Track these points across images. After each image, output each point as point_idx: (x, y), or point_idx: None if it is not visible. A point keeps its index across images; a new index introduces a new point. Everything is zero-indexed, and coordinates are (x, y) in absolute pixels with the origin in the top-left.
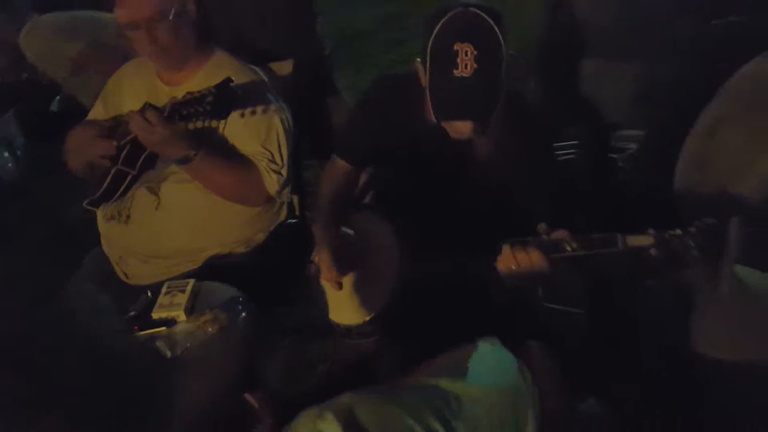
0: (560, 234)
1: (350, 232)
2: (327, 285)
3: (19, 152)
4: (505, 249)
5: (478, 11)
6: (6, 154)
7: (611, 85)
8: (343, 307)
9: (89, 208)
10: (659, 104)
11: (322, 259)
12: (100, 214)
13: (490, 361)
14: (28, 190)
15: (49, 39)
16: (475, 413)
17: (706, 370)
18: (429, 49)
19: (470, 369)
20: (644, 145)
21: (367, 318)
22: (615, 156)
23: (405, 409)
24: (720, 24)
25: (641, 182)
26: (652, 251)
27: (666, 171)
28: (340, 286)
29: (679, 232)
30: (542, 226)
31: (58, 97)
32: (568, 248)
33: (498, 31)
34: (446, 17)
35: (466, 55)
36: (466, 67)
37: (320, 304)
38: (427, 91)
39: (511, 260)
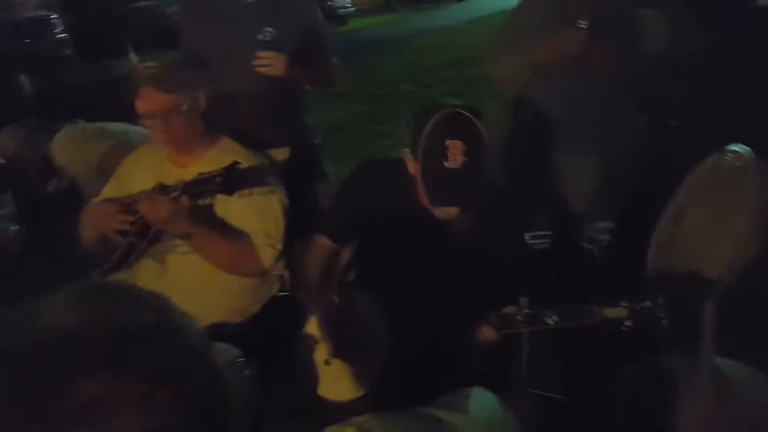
0: (523, 303)
1: (336, 300)
2: (318, 360)
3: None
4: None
5: (464, 111)
6: (11, 227)
7: (575, 177)
8: (335, 382)
9: (100, 277)
10: (625, 196)
11: (317, 334)
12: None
13: (479, 401)
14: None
15: (80, 142)
16: None
17: None
18: (422, 144)
19: (462, 405)
20: (615, 235)
21: (359, 394)
22: (591, 247)
23: (411, 429)
24: (675, 125)
25: (615, 269)
26: (627, 322)
27: (637, 259)
28: (329, 360)
29: (648, 303)
30: (523, 301)
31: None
32: (550, 321)
33: (480, 128)
34: (436, 117)
35: (456, 149)
36: (456, 160)
37: (310, 379)
38: (420, 180)
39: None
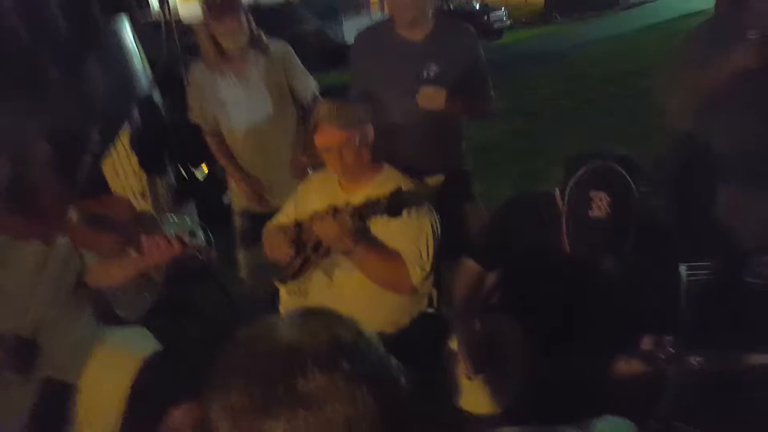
0: (669, 341)
1: (479, 325)
2: (460, 374)
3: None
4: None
5: (613, 164)
6: (202, 235)
7: (749, 211)
8: (476, 396)
9: (279, 284)
10: None
11: (460, 351)
12: (283, 289)
13: (613, 426)
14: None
15: None
16: None
17: None
18: (568, 192)
19: (596, 428)
20: None
21: (497, 410)
22: (756, 281)
23: None
24: None
25: None
26: None
27: None
28: (472, 377)
29: None
30: (668, 340)
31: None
32: (693, 363)
33: (630, 179)
34: (587, 168)
35: (601, 201)
36: (601, 211)
37: (451, 391)
38: (564, 225)
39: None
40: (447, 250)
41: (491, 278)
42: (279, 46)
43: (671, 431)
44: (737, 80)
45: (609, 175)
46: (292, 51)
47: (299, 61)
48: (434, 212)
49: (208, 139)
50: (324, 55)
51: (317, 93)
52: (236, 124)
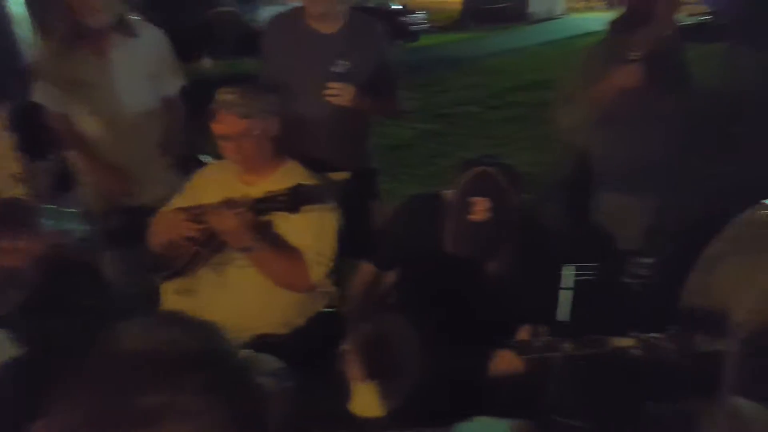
0: (543, 330)
1: (372, 327)
2: (352, 376)
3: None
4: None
5: (495, 172)
6: (81, 226)
7: (626, 216)
8: (365, 400)
9: (163, 281)
10: (671, 235)
11: (351, 354)
12: (168, 287)
13: (485, 424)
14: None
15: None
16: None
17: None
18: (453, 196)
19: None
20: (657, 272)
21: (386, 412)
22: (633, 281)
23: None
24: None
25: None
26: (635, 351)
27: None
28: (363, 380)
29: (657, 335)
30: (543, 329)
31: None
32: (565, 348)
33: (509, 187)
34: (470, 174)
35: (482, 206)
36: (480, 215)
37: (342, 394)
38: (447, 228)
39: (494, 365)
40: (350, 248)
41: (391, 277)
42: (153, 34)
43: (552, 425)
44: (619, 98)
45: (489, 182)
46: (167, 41)
47: (172, 53)
48: (338, 209)
49: (54, 123)
50: (239, 41)
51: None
52: (96, 108)
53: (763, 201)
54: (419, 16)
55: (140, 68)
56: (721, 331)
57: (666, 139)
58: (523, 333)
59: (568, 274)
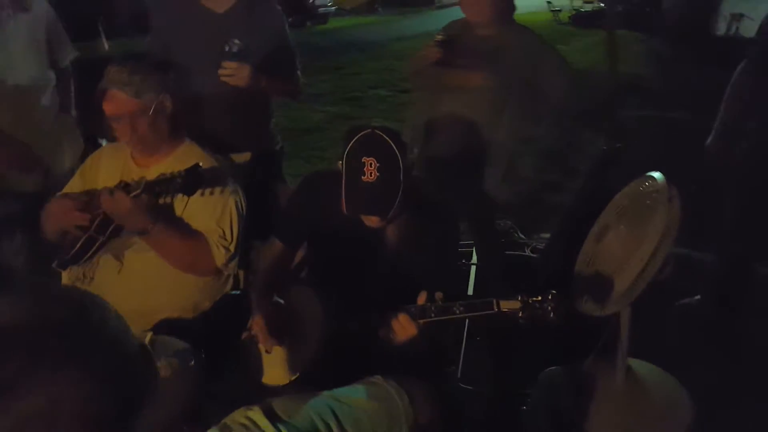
0: (439, 295)
1: (281, 301)
2: (262, 350)
3: None
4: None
5: (381, 132)
6: None
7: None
8: (274, 369)
9: (58, 269)
10: (565, 211)
11: (256, 323)
12: (65, 276)
13: (374, 384)
14: None
15: None
16: (358, 415)
17: None
18: (344, 159)
19: (358, 387)
20: (550, 244)
21: (293, 377)
22: (534, 255)
23: (309, 405)
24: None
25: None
26: (520, 314)
27: (567, 267)
28: (270, 349)
29: (539, 297)
30: (439, 294)
31: None
32: (457, 311)
33: (395, 147)
34: (357, 136)
35: (371, 166)
36: (371, 175)
37: (255, 369)
38: (342, 191)
39: (390, 330)
40: (256, 230)
41: (300, 254)
42: (42, 6)
43: (451, 390)
44: (430, 70)
45: (378, 142)
46: (54, 13)
47: (60, 25)
48: (239, 191)
49: None
50: (134, 19)
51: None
52: None
53: (648, 174)
54: None
55: (34, 39)
56: (606, 296)
57: (493, 117)
58: (420, 299)
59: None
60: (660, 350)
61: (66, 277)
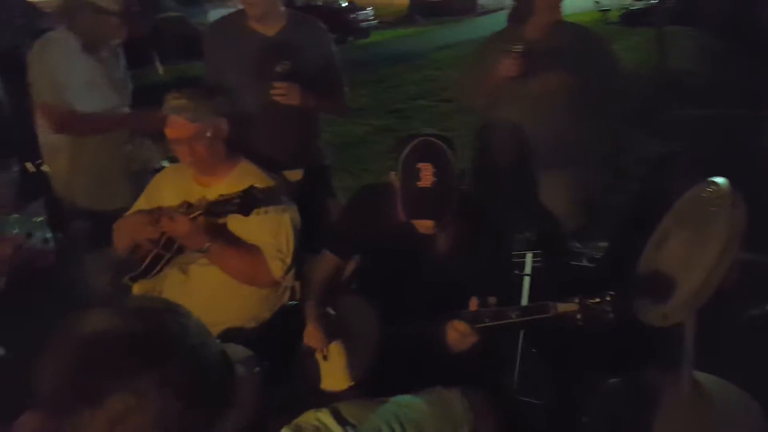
0: (492, 300)
1: (332, 312)
2: (319, 357)
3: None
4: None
5: (435, 139)
6: (47, 234)
7: (552, 192)
8: (332, 375)
9: (129, 283)
10: (622, 218)
11: (310, 332)
12: (136, 289)
13: (436, 392)
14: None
15: None
16: (420, 421)
17: None
18: (400, 166)
19: (421, 395)
20: (609, 253)
21: (351, 383)
22: (590, 265)
23: (372, 409)
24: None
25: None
26: (578, 316)
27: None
28: (327, 356)
29: (598, 299)
30: (492, 299)
31: None
32: (513, 315)
33: (449, 153)
34: (412, 143)
35: (428, 171)
36: (427, 180)
37: (314, 375)
38: (399, 198)
39: (447, 338)
40: (310, 244)
41: (352, 265)
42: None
43: (511, 401)
44: (509, 84)
45: (432, 148)
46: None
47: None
48: (293, 207)
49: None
50: (187, 45)
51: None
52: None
53: (710, 179)
54: (367, 12)
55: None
56: (668, 305)
57: (571, 120)
58: (473, 304)
59: (527, 261)
60: (728, 363)
61: (136, 291)
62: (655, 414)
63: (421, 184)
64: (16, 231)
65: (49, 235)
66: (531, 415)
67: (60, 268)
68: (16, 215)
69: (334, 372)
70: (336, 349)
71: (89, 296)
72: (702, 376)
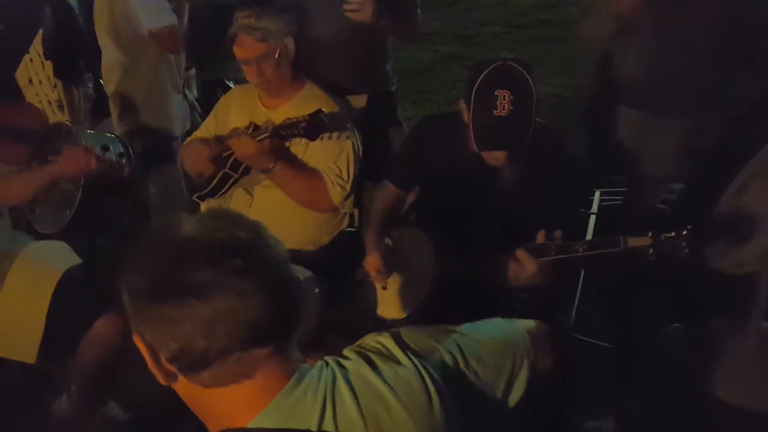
0: (559, 233)
1: (390, 243)
2: (377, 286)
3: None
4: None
5: (515, 64)
6: (121, 149)
7: (657, 138)
8: (389, 304)
9: (198, 201)
10: (703, 159)
11: (370, 262)
12: (203, 208)
13: (497, 323)
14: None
15: None
16: (482, 350)
17: (725, 416)
18: (474, 93)
19: (482, 325)
20: (685, 196)
21: (408, 313)
22: (663, 207)
23: (434, 337)
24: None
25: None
26: (651, 251)
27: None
28: (385, 285)
29: (673, 233)
30: (558, 233)
31: None
32: (579, 249)
33: (530, 80)
34: (489, 68)
35: (505, 99)
36: (504, 109)
37: (371, 301)
38: (470, 127)
39: (510, 270)
40: (371, 172)
41: (412, 197)
42: None
43: (569, 340)
44: (644, 8)
45: (512, 74)
46: None
47: None
48: (356, 133)
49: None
50: None
51: None
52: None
53: None
54: None
55: None
56: (746, 253)
57: (695, 56)
58: (540, 236)
59: (594, 199)
60: None
61: (203, 208)
62: (720, 362)
63: (497, 112)
64: (93, 146)
65: (122, 149)
66: (584, 354)
67: (134, 183)
68: (91, 131)
69: (391, 301)
70: (395, 280)
71: (160, 212)
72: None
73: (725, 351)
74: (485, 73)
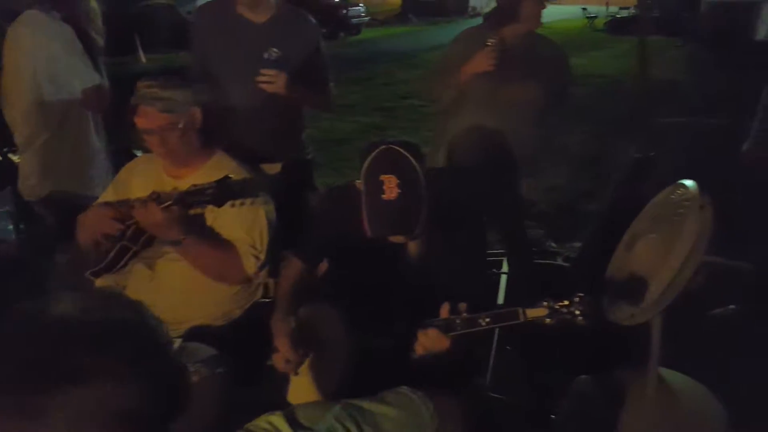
0: (462, 306)
1: (294, 324)
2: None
3: (21, 225)
4: (420, 337)
5: (399, 148)
6: (9, 226)
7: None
8: (301, 390)
9: (91, 277)
10: (595, 219)
11: (278, 352)
12: (98, 284)
13: (401, 394)
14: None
15: None
16: (379, 421)
17: None
18: (362, 178)
19: (387, 396)
20: (582, 253)
21: (320, 399)
22: (566, 265)
23: (331, 413)
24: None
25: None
26: (548, 320)
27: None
28: (296, 371)
29: (566, 302)
30: (462, 306)
31: None
32: (482, 322)
33: (415, 162)
34: (374, 154)
35: (391, 183)
36: (391, 193)
37: (282, 386)
38: (363, 211)
39: (419, 346)
40: (287, 240)
41: (320, 270)
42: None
43: (483, 400)
44: (478, 81)
45: (394, 158)
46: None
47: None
48: (270, 201)
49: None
50: (175, 34)
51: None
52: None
53: (679, 182)
54: (359, 9)
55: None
56: (636, 304)
57: (533, 124)
58: (443, 311)
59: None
60: (693, 361)
61: (99, 285)
62: (623, 410)
63: (385, 197)
64: None
65: (11, 227)
66: (501, 413)
67: (25, 260)
68: None
69: (303, 386)
70: (306, 365)
71: (55, 288)
72: (668, 373)
73: (629, 399)
74: (370, 158)
